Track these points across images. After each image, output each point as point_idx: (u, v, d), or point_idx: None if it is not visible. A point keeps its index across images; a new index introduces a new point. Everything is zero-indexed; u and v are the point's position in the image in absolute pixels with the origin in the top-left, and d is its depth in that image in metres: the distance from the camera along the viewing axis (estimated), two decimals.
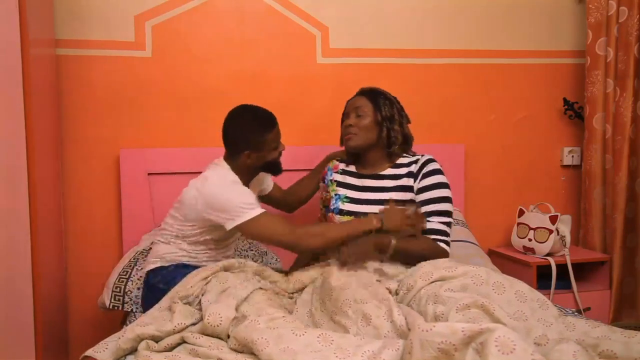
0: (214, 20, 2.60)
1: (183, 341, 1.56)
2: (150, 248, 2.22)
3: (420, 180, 2.00)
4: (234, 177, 1.99)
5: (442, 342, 1.21)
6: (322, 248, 1.92)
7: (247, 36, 2.64)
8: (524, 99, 2.97)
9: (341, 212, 2.07)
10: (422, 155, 2.06)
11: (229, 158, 2.04)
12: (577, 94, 3.00)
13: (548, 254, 2.68)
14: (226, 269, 1.85)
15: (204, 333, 1.58)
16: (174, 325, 1.58)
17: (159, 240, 2.08)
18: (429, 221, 1.97)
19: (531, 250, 2.72)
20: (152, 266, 2.04)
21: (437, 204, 1.98)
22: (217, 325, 1.55)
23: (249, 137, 1.98)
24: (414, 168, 2.03)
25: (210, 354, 1.47)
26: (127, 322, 2.03)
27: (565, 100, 2.98)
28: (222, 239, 2.05)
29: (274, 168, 2.09)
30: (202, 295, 1.69)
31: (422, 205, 1.99)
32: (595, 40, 2.84)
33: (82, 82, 2.49)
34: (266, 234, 1.91)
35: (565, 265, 2.66)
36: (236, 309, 1.60)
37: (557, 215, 2.68)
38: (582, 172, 2.98)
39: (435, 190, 1.99)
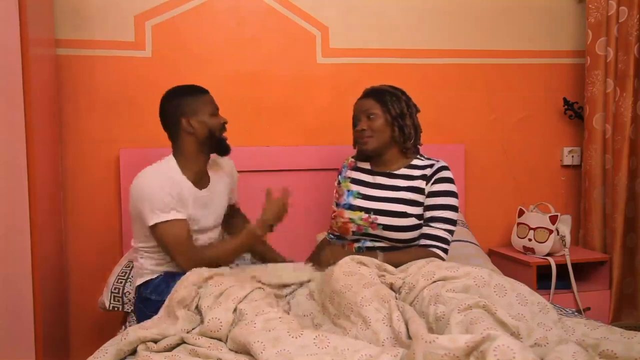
0: (214, 20, 2.60)
1: (183, 341, 1.56)
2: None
3: (433, 184, 2.02)
4: (168, 169, 1.92)
5: (446, 355, 1.20)
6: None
7: (247, 36, 2.64)
8: (524, 99, 2.97)
9: (351, 208, 2.08)
10: (438, 161, 2.07)
11: (174, 144, 1.99)
12: (577, 94, 2.99)
13: (548, 254, 2.67)
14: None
15: (205, 336, 1.57)
16: (177, 330, 1.58)
17: (136, 257, 2.01)
18: (431, 226, 1.98)
19: (531, 250, 2.72)
20: (141, 280, 1.99)
21: (443, 211, 1.99)
22: (217, 331, 1.55)
23: (180, 103, 1.95)
24: (428, 172, 2.04)
25: (210, 354, 1.46)
26: (127, 323, 2.02)
27: (565, 100, 2.98)
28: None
29: (220, 146, 2.00)
30: (198, 299, 1.67)
31: (428, 210, 2.01)
32: (595, 40, 2.84)
33: (82, 82, 2.49)
34: (165, 244, 1.87)
35: (565, 265, 2.66)
36: (235, 309, 1.60)
37: (557, 215, 2.68)
38: (582, 172, 2.98)
39: (444, 198, 2.01)
